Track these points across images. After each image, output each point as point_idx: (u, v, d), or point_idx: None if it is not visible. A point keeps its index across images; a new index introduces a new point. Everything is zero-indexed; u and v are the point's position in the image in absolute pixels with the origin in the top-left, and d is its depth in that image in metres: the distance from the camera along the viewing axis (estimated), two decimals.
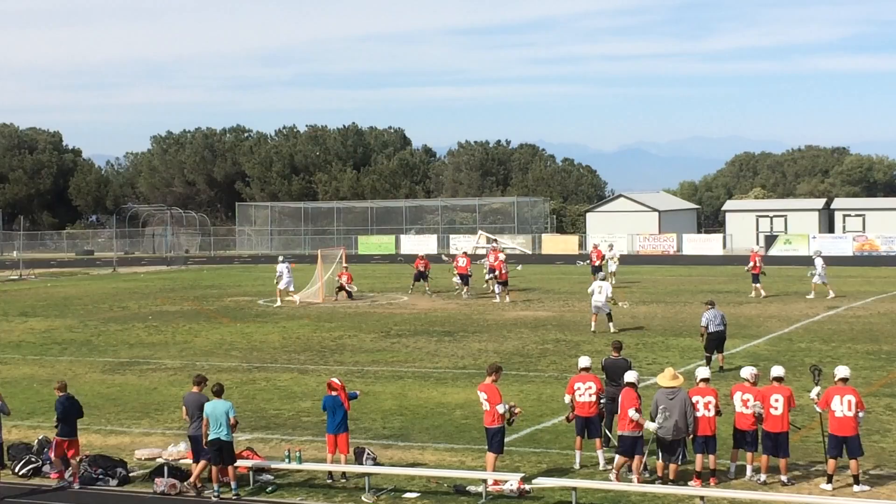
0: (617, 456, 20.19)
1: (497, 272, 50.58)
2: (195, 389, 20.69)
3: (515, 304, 48.92)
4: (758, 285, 50.53)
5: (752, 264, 51.04)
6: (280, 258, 53.60)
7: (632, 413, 19.68)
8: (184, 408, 20.66)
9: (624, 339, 28.95)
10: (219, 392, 20.39)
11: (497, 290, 50.69)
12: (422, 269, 54.65)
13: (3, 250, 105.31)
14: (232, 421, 20.12)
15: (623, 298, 48.02)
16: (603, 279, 41.83)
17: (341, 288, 51.93)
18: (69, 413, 21.18)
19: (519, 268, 55.90)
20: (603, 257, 56.62)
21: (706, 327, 31.14)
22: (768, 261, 71.93)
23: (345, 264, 53.33)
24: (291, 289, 51.15)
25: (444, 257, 65.08)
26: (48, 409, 27.53)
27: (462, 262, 53.34)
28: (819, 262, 49.87)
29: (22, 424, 25.71)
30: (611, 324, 39.75)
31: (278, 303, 50.50)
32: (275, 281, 51.54)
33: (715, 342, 31.20)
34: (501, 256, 52.26)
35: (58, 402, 21.33)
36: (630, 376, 20.36)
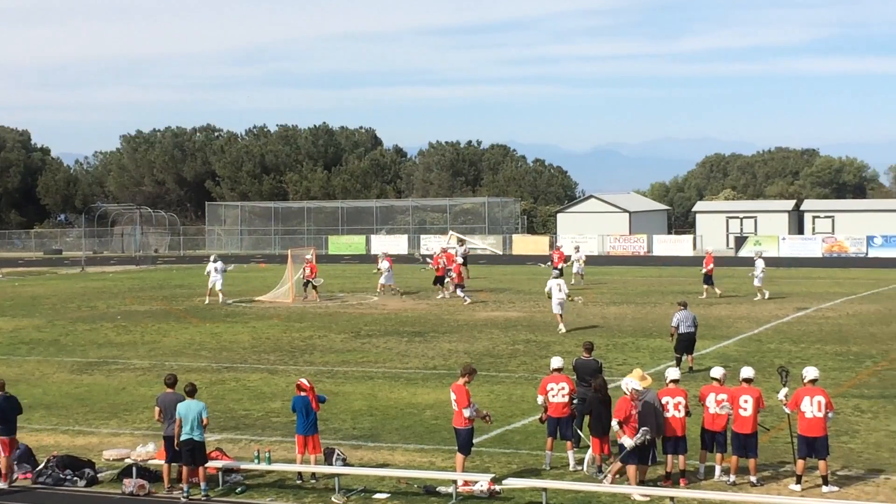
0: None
1: (454, 274, 50.45)
2: (169, 390, 20.57)
3: (467, 302, 48.90)
4: (709, 286, 50.66)
5: (708, 266, 50.92)
6: (212, 257, 53.79)
7: (612, 424, 19.64)
8: (157, 408, 20.52)
9: (594, 339, 28.94)
10: (191, 392, 20.30)
11: (451, 291, 50.51)
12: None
13: None
14: (204, 421, 20.04)
15: (579, 295, 48.26)
16: (557, 277, 41.99)
17: (307, 283, 51.73)
18: (7, 412, 21.06)
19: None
20: (565, 259, 56.70)
21: (677, 328, 31.18)
22: (739, 262, 72.27)
23: (307, 256, 53.06)
24: (219, 287, 51.51)
25: (419, 257, 64.87)
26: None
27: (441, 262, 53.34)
28: (760, 263, 49.94)
29: None
30: (561, 325, 39.90)
31: (207, 300, 51.20)
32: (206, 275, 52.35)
33: (685, 343, 31.25)
34: (459, 260, 52.38)
35: None
36: (625, 383, 20.12)
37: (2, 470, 20.99)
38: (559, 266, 54.57)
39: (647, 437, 19.55)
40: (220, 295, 51.44)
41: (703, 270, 51.22)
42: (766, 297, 49.18)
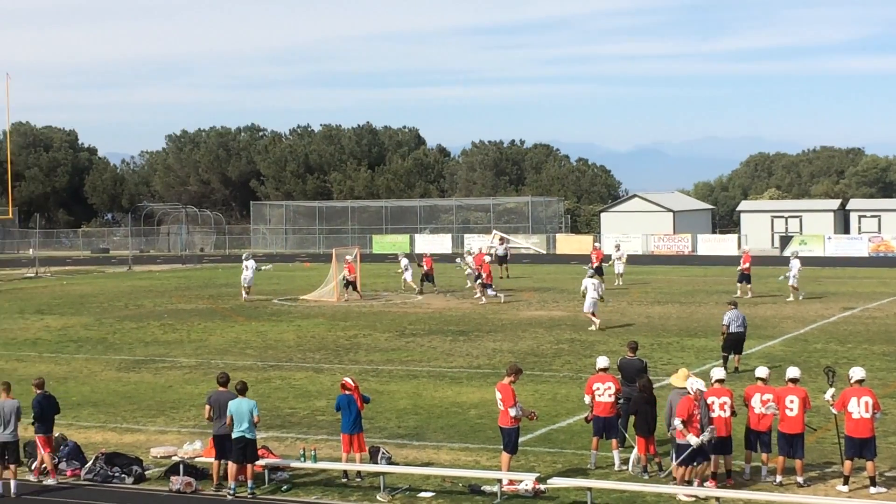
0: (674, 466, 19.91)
1: (483, 274, 49.95)
2: (222, 388, 20.68)
3: (508, 303, 48.87)
4: (746, 284, 50.42)
5: (745, 265, 50.62)
6: (245, 255, 54.42)
7: (676, 423, 19.55)
8: (207, 406, 20.60)
9: (639, 338, 28.88)
10: (242, 390, 20.45)
11: (489, 293, 49.54)
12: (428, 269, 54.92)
13: (19, 248, 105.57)
14: (255, 419, 20.18)
15: (611, 297, 48.36)
16: (592, 276, 41.79)
17: (348, 284, 51.83)
18: (46, 411, 21.29)
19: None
20: (603, 258, 56.49)
21: (727, 327, 30.95)
22: (784, 261, 71.83)
23: (347, 257, 53.14)
24: (246, 285, 52.12)
25: (458, 260, 64.59)
26: (64, 406, 27.55)
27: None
28: (796, 263, 49.40)
29: None
30: (595, 320, 40.15)
31: (244, 296, 51.88)
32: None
33: (733, 343, 31.05)
34: (487, 259, 52.12)
35: (34, 400, 21.41)
36: (690, 383, 19.90)
37: (48, 467, 21.21)
38: (596, 266, 54.42)
39: (714, 435, 19.48)
40: (243, 292, 52.09)
41: (739, 268, 50.87)
42: (801, 298, 48.73)
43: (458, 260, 63.69)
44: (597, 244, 62.99)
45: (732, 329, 30.94)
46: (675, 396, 19.99)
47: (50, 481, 21.02)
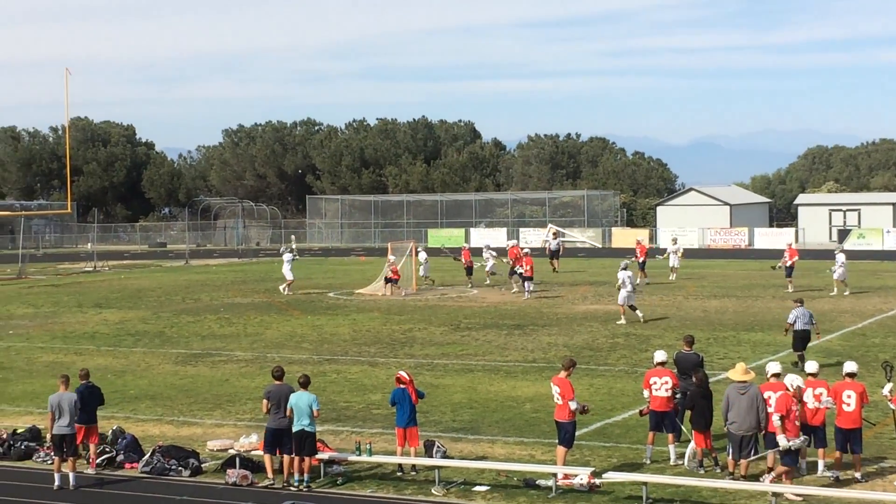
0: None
1: (522, 268, 49.30)
2: (277, 382, 20.73)
3: (549, 298, 48.74)
4: (790, 279, 50.09)
5: (792, 259, 50.27)
6: (282, 248, 55.09)
7: (774, 419, 19.12)
8: (265, 400, 20.64)
9: (695, 332, 28.74)
10: (305, 383, 20.53)
11: (527, 287, 48.98)
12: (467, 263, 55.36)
13: (77, 242, 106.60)
14: (315, 413, 20.25)
15: (645, 277, 50.56)
16: (625, 269, 41.44)
17: (389, 279, 51.86)
18: (87, 401, 21.46)
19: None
20: (647, 252, 56.13)
21: (793, 324, 30.41)
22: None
23: (391, 257, 53.03)
24: (288, 277, 52.68)
25: (445, 251, 63.48)
26: (122, 399, 27.96)
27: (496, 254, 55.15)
28: (841, 257, 48.76)
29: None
30: (638, 312, 40.21)
31: (286, 291, 52.33)
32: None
33: (801, 340, 30.66)
34: (526, 250, 51.20)
35: (77, 390, 21.63)
36: (790, 380, 19.68)
37: (91, 456, 21.48)
38: (641, 259, 54.43)
39: (805, 444, 19.31)
40: (284, 285, 52.64)
41: (787, 263, 50.36)
42: (846, 294, 47.93)
43: (447, 253, 64.06)
44: (640, 238, 62.42)
45: (799, 326, 30.36)
46: (731, 391, 19.89)
47: (89, 470, 21.26)
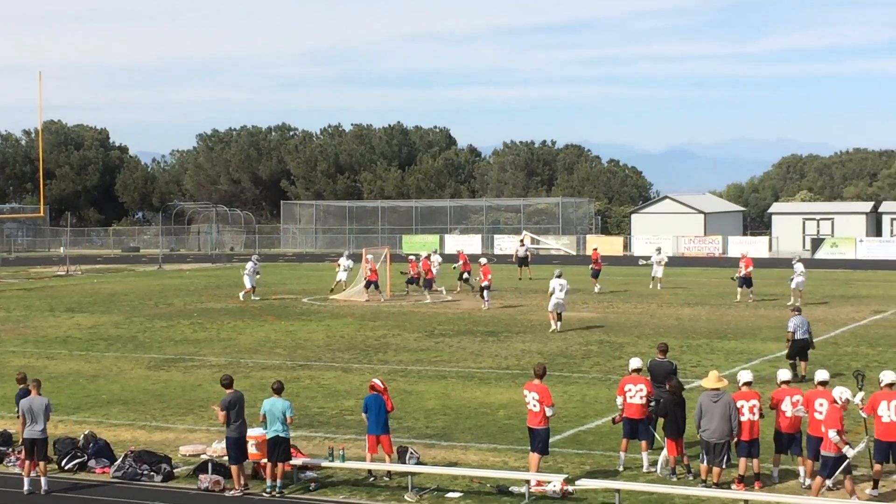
0: (815, 476, 19.47)
1: (464, 273, 49.25)
2: (229, 391, 20.65)
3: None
4: (747, 289, 49.60)
5: (748, 269, 49.68)
6: (254, 256, 55.00)
7: (832, 435, 18.97)
8: (222, 412, 20.36)
9: (668, 340, 28.77)
10: (279, 390, 20.54)
11: (485, 297, 48.19)
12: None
13: (49, 246, 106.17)
14: (288, 420, 20.23)
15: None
16: (559, 276, 41.36)
17: (369, 284, 51.74)
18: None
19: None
20: (599, 261, 56.28)
21: (793, 333, 30.21)
22: (815, 264, 71.56)
23: (369, 257, 52.95)
24: (247, 286, 52.37)
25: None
26: (94, 404, 27.86)
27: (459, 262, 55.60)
28: (799, 266, 48.08)
29: (68, 419, 25.91)
30: (559, 323, 40.17)
31: (244, 297, 52.19)
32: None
33: (799, 350, 30.30)
34: (483, 261, 49.80)
35: (17, 395, 21.60)
36: (838, 392, 19.41)
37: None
38: (597, 268, 54.79)
39: (868, 445, 19.32)
40: (246, 292, 52.47)
41: (740, 274, 49.82)
42: (797, 303, 45.25)
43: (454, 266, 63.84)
44: (595, 247, 62.19)
45: (798, 336, 30.20)
46: (704, 399, 19.95)
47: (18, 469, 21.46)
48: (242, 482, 20.33)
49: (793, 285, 48.04)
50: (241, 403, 20.46)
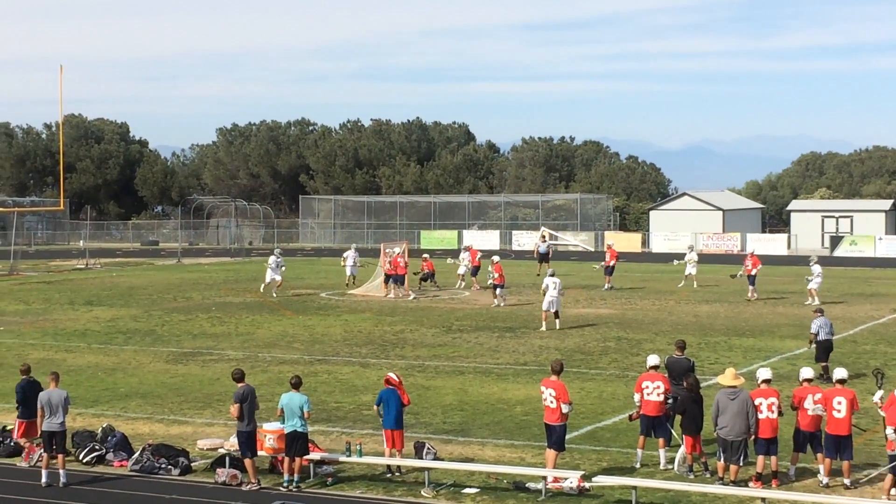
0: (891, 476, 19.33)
1: (497, 273, 48.18)
2: (241, 385, 20.68)
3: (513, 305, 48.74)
4: (751, 286, 49.29)
5: (756, 268, 49.44)
6: (276, 251, 54.39)
7: (889, 431, 18.86)
8: (237, 405, 20.41)
9: (686, 337, 28.72)
10: (296, 384, 20.60)
11: (498, 293, 47.65)
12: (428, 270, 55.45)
13: (69, 239, 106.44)
14: (305, 414, 20.27)
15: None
16: (553, 275, 40.93)
17: (388, 278, 51.61)
18: (29, 396, 21.58)
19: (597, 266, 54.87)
20: (617, 257, 55.74)
21: (816, 334, 30.00)
22: (834, 262, 71.39)
23: (396, 250, 52.85)
24: (267, 280, 52.09)
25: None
26: (112, 397, 27.95)
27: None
28: (816, 268, 47.29)
29: (86, 412, 26.00)
30: (557, 321, 39.79)
31: (264, 291, 51.98)
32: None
33: (825, 351, 30.15)
34: (496, 259, 49.05)
35: (18, 385, 21.72)
36: None
37: (25, 449, 21.74)
38: (611, 264, 54.34)
39: None
40: (266, 286, 52.16)
41: (750, 272, 49.36)
42: (813, 302, 45.73)
43: (450, 259, 63.75)
44: (610, 242, 61.83)
45: (822, 336, 30.00)
46: (721, 396, 19.92)
47: (21, 463, 21.66)
48: (255, 478, 20.38)
49: (810, 286, 47.51)
50: (254, 397, 20.51)
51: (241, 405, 20.35)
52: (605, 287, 53.60)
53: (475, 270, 54.80)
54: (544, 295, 40.25)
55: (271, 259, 52.40)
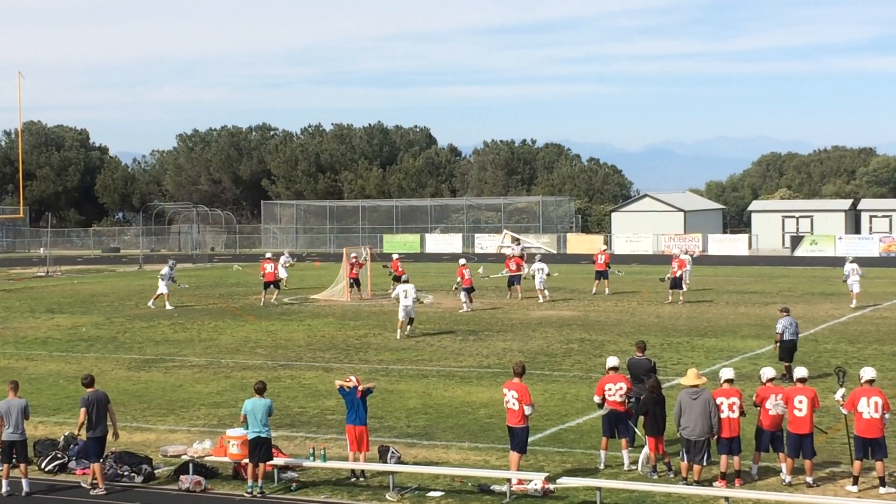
0: None
1: (460, 278, 48.01)
2: (89, 390, 20.84)
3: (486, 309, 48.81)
4: (677, 291, 48.53)
5: (682, 269, 48.79)
6: (170, 261, 52.80)
7: None
8: (83, 410, 20.59)
9: (648, 338, 28.83)
10: (260, 390, 20.54)
11: (462, 298, 47.21)
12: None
13: (30, 247, 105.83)
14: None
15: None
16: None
17: (353, 283, 51.67)
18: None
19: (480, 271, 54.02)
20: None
21: (781, 335, 29.94)
22: (794, 261, 71.78)
23: (353, 255, 52.84)
24: (158, 292, 50.18)
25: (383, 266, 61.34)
26: (74, 405, 27.71)
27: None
28: (854, 266, 47.03)
29: (48, 420, 25.86)
30: (409, 327, 39.39)
31: (155, 304, 50.06)
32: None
33: (788, 351, 30.05)
34: (461, 262, 48.80)
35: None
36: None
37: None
38: (601, 270, 52.81)
39: None
40: (156, 299, 50.20)
41: (676, 274, 48.52)
42: (854, 304, 46.06)
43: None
44: (604, 246, 61.37)
45: (787, 336, 29.92)
46: (684, 396, 20.00)
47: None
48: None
49: (852, 287, 46.64)
50: (103, 403, 20.63)
51: (88, 411, 20.51)
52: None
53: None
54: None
55: (164, 269, 50.69)
